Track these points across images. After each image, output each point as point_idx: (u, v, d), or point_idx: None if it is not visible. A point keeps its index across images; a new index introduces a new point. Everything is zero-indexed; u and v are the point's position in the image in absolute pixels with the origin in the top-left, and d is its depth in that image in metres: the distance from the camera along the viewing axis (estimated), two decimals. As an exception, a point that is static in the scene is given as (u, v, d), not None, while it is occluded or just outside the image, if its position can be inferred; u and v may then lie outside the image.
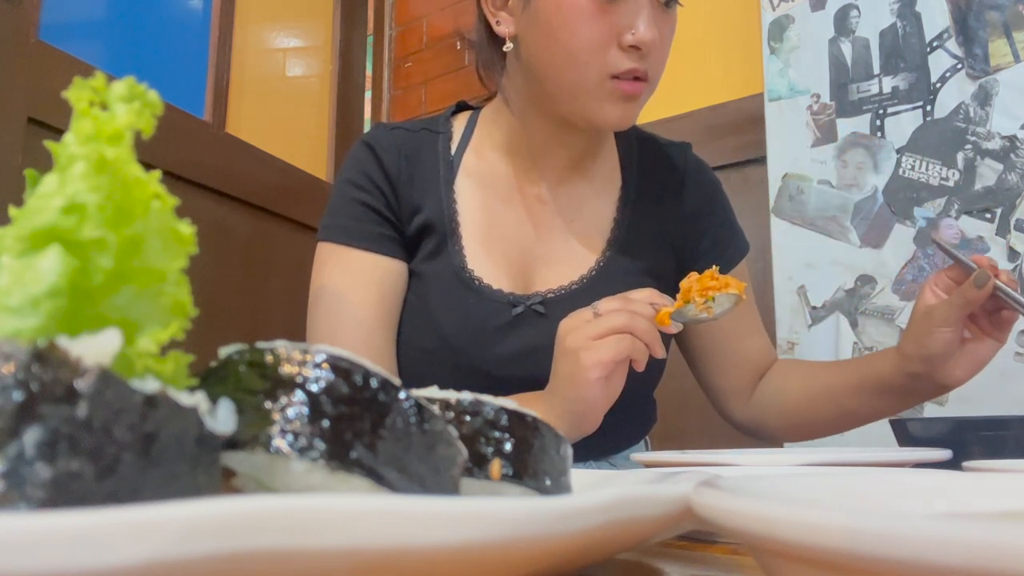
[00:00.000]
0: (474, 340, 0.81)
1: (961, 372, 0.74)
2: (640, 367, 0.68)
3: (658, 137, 0.97)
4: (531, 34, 0.80)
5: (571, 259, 0.87)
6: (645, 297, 0.68)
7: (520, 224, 0.88)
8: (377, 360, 0.81)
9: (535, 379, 0.77)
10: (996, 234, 1.25)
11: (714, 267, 0.67)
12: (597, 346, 0.65)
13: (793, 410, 0.88)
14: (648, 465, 0.58)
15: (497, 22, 0.84)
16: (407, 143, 0.88)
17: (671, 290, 0.90)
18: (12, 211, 0.22)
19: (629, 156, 0.93)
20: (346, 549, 0.17)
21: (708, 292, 0.65)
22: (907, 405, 0.82)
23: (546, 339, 0.81)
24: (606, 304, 0.68)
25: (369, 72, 2.56)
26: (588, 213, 0.90)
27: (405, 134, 0.89)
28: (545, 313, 0.82)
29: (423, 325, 0.83)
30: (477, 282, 0.83)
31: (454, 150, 0.90)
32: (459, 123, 0.93)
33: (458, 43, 2.35)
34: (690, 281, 0.66)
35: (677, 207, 0.92)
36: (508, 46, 0.84)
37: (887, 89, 1.39)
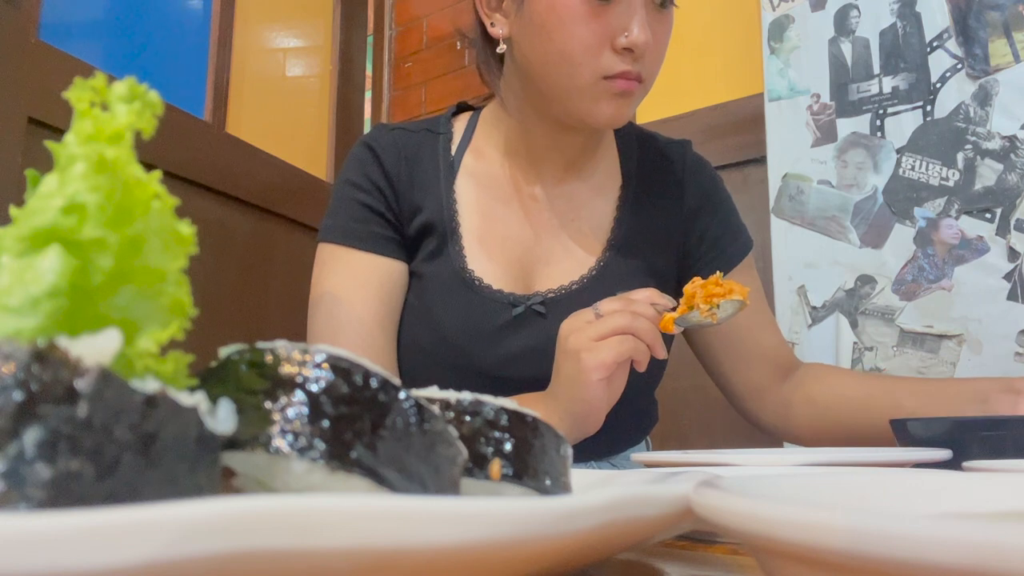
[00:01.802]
0: (474, 340, 0.81)
1: None
2: (641, 368, 0.68)
3: (658, 135, 0.97)
4: (525, 36, 0.80)
5: (571, 259, 0.87)
6: (646, 297, 0.68)
7: (520, 225, 0.88)
8: (378, 360, 0.81)
9: (536, 379, 0.77)
10: (996, 234, 1.25)
11: (718, 273, 0.67)
12: (599, 347, 0.65)
13: (844, 407, 0.84)
14: (648, 465, 0.58)
15: (492, 24, 0.84)
16: (407, 144, 0.89)
17: (671, 289, 0.90)
18: (12, 211, 0.22)
19: (629, 155, 0.93)
20: (346, 549, 0.17)
21: (712, 298, 0.64)
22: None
23: (546, 339, 0.81)
24: (608, 305, 0.68)
25: (369, 72, 2.56)
26: (588, 213, 0.89)
27: (405, 135, 0.90)
28: (545, 313, 0.82)
29: (424, 325, 0.83)
30: (477, 282, 0.83)
31: (454, 151, 0.90)
32: (460, 124, 0.93)
33: (458, 43, 2.35)
34: (694, 286, 0.66)
35: (677, 205, 0.91)
36: (502, 47, 0.84)
37: (887, 89, 1.39)
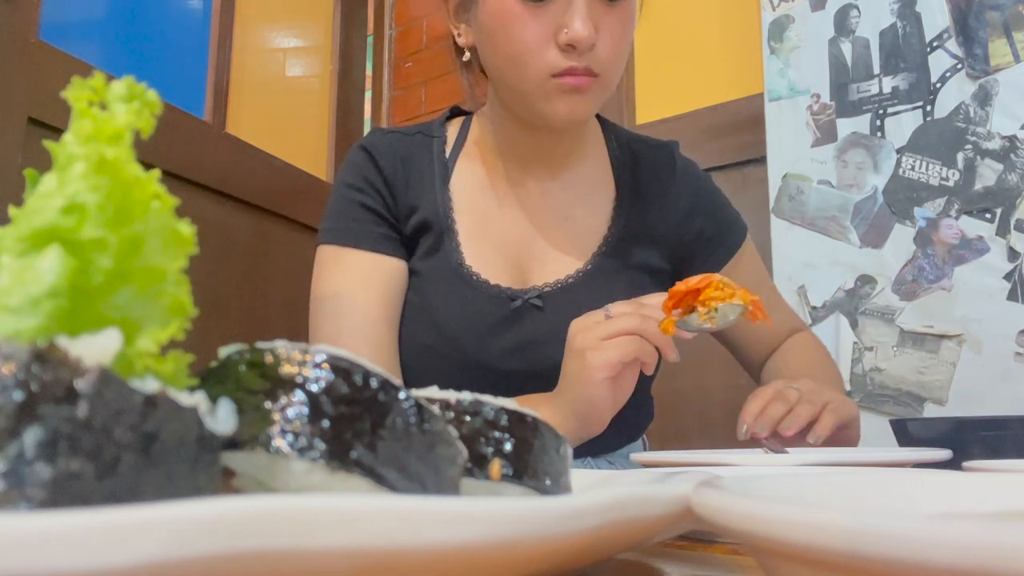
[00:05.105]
0: (474, 335, 0.82)
1: None
2: (649, 370, 0.68)
3: (645, 137, 0.99)
4: (480, 43, 0.83)
5: (566, 256, 0.88)
6: (658, 302, 0.68)
7: (515, 223, 0.89)
8: (382, 357, 0.82)
9: (535, 372, 0.77)
10: (996, 234, 1.25)
11: (720, 277, 0.66)
12: (605, 346, 0.66)
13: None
14: (648, 465, 0.58)
15: (459, 34, 0.87)
16: (403, 146, 0.90)
17: (667, 285, 0.91)
18: (12, 211, 0.22)
19: (620, 157, 0.95)
20: (346, 549, 0.17)
21: (711, 303, 0.64)
22: None
23: (544, 332, 0.81)
24: (618, 307, 0.68)
25: (369, 72, 2.56)
26: (582, 212, 0.90)
27: (401, 138, 0.91)
28: (542, 307, 0.83)
29: (423, 321, 0.84)
30: (475, 277, 0.84)
31: (448, 154, 0.92)
32: (453, 128, 0.95)
33: (458, 43, 2.35)
34: (678, 287, 0.65)
35: (670, 206, 0.93)
36: (466, 56, 0.87)
37: (887, 89, 1.39)
